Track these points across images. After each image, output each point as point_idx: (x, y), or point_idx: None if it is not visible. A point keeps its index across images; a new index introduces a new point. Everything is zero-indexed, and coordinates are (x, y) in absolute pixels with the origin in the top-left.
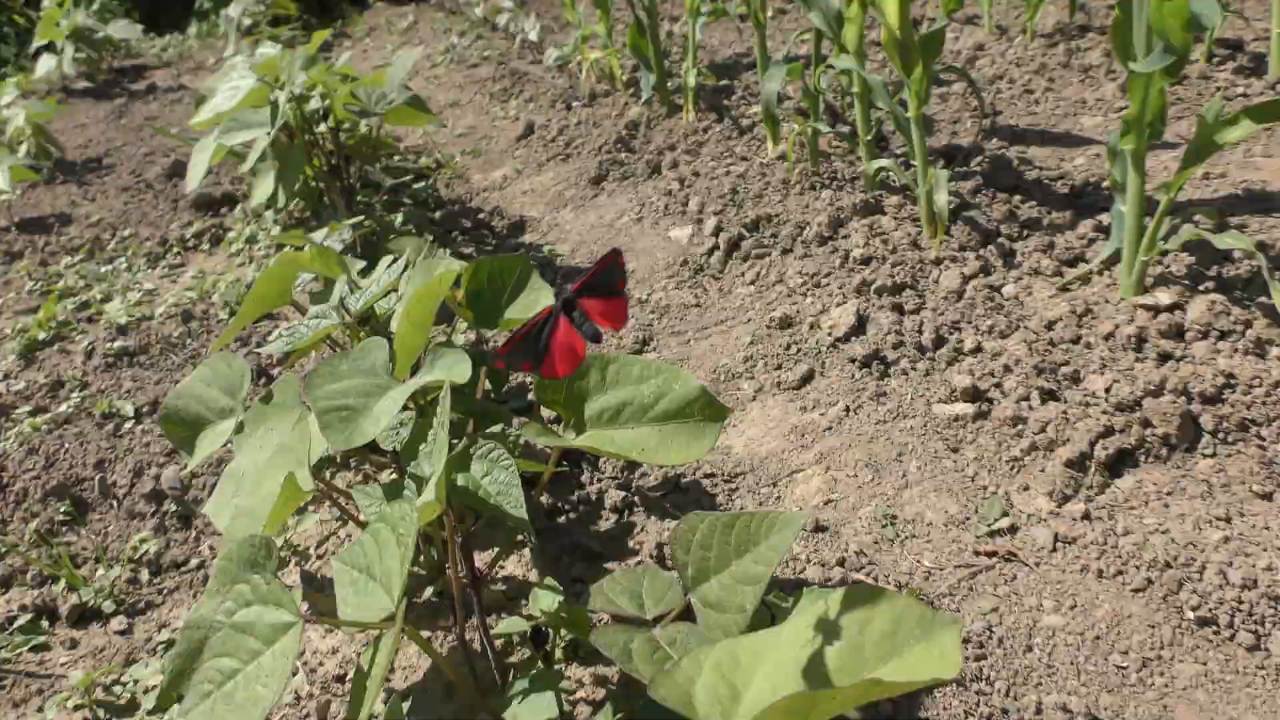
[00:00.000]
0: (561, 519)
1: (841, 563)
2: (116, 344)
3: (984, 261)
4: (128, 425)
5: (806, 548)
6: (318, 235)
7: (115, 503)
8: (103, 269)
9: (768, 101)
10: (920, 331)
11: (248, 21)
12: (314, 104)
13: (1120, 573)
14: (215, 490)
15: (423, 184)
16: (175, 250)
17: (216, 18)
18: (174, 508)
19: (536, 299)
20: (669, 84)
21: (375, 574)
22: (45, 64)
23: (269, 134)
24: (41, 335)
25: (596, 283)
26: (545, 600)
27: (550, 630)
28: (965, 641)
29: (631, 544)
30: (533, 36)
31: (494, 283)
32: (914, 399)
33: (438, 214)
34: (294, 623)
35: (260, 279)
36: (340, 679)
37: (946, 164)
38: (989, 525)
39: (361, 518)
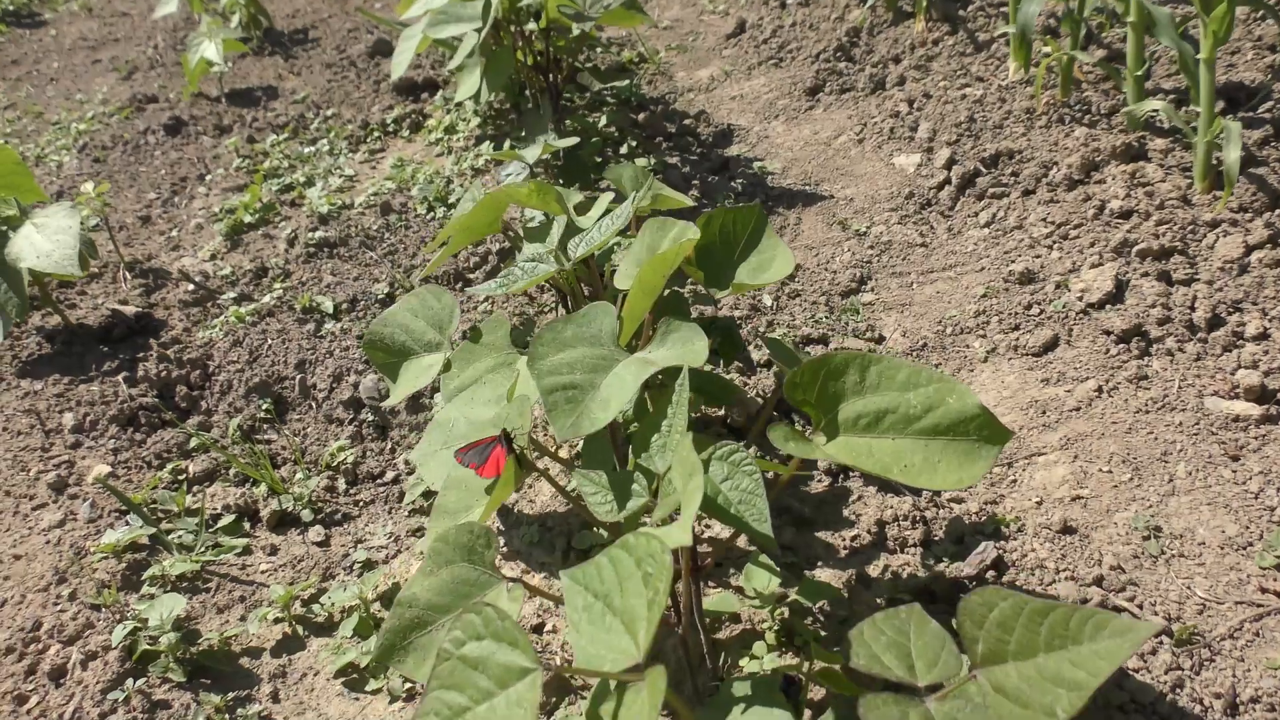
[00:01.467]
0: (769, 474)
1: (1099, 581)
2: (317, 234)
3: (1273, 230)
4: (327, 325)
5: (1053, 552)
6: (529, 153)
7: (314, 405)
8: (306, 150)
9: (1025, 24)
10: (1192, 308)
11: None
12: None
13: None
14: (424, 435)
15: (626, 82)
16: (376, 134)
17: None
18: (371, 417)
19: (771, 259)
20: None
21: (614, 607)
22: None
23: (479, 31)
24: (247, 218)
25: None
26: (759, 579)
27: (804, 680)
28: (1253, 702)
29: (847, 514)
30: None
31: (725, 236)
32: (1182, 388)
33: (641, 115)
34: (532, 670)
35: (473, 209)
36: (538, 629)
37: (1228, 106)
38: (1278, 557)
39: (573, 493)
